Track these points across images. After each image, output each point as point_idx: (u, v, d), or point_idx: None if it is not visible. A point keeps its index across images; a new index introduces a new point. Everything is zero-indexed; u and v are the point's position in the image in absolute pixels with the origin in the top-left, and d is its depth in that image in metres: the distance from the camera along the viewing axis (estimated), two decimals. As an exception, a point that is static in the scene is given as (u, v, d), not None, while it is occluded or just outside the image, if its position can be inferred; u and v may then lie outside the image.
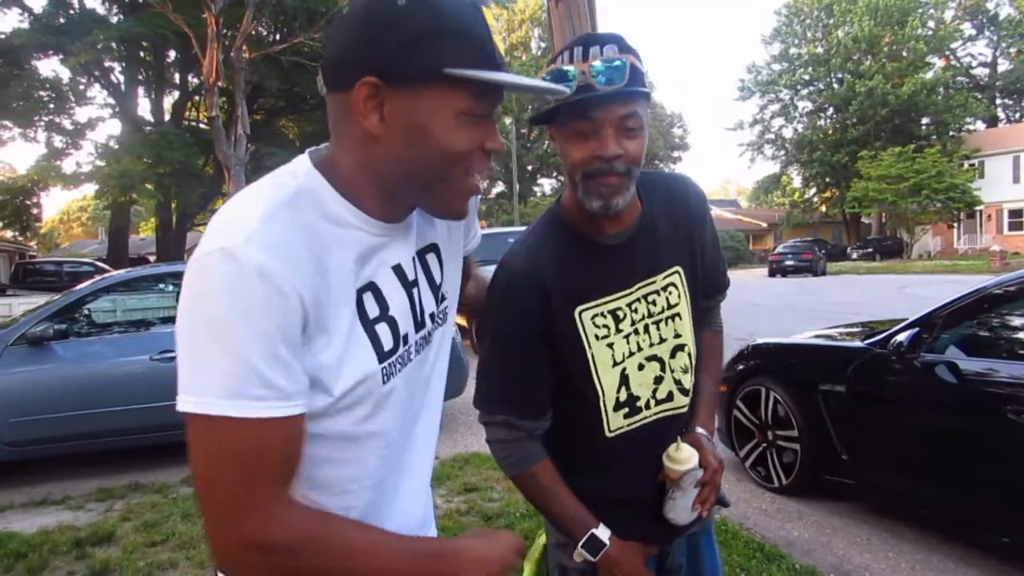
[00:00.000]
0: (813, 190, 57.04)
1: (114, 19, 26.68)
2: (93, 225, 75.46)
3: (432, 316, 1.12)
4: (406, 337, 1.04)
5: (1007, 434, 3.32)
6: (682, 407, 1.56)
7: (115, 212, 30.46)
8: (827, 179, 53.72)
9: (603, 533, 1.48)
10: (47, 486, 5.41)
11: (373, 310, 0.98)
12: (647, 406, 1.52)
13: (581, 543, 1.47)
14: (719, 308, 1.82)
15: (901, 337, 3.91)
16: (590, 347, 1.46)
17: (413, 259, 1.07)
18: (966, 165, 43.79)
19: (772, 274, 34.40)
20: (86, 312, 6.36)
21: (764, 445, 4.81)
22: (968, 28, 52.32)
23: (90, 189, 27.79)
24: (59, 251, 59.10)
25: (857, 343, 4.38)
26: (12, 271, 28.32)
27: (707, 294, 1.67)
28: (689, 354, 1.56)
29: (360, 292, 0.96)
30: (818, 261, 34.01)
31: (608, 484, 1.53)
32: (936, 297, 4.07)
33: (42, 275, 25.22)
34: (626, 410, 1.50)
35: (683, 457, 1.48)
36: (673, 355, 1.53)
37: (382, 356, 0.98)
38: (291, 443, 0.88)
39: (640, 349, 1.50)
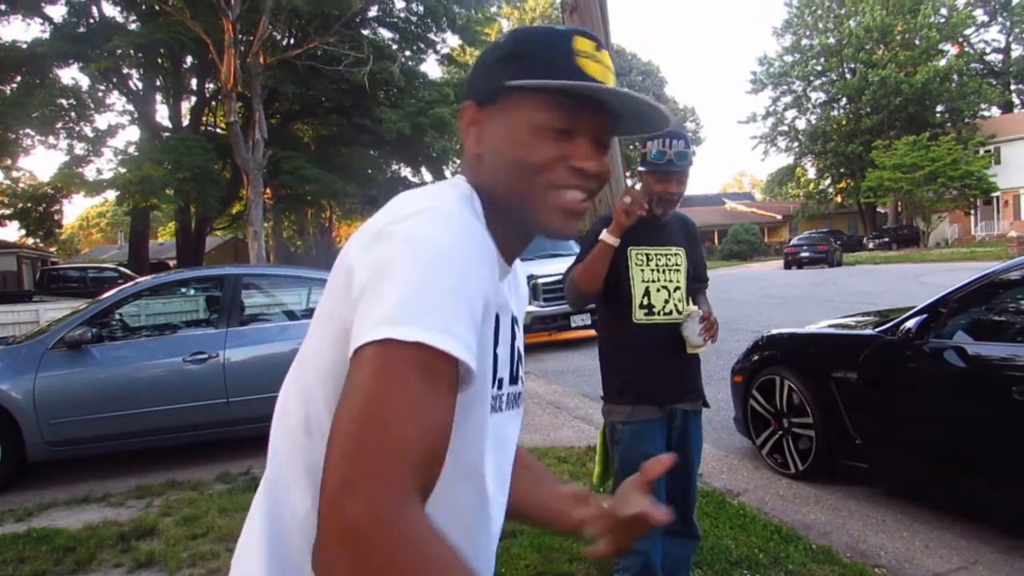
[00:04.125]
0: (828, 181, 56.70)
1: (132, 26, 27.01)
2: (112, 231, 76.14)
3: (520, 379, 1.08)
4: (501, 382, 0.99)
5: (1015, 415, 3.44)
6: (676, 319, 2.77)
7: (135, 217, 30.83)
8: (841, 169, 53.43)
9: (607, 237, 2.62)
10: (87, 484, 5.60)
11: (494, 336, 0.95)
12: (658, 313, 2.76)
13: (607, 238, 2.60)
14: (704, 289, 3.08)
15: (910, 324, 4.04)
16: (630, 268, 2.75)
17: (512, 316, 1.05)
18: (982, 152, 43.45)
19: (788, 266, 34.32)
20: (120, 316, 6.58)
21: (780, 433, 4.93)
22: (981, 14, 51.85)
23: (110, 195, 28.15)
24: (79, 257, 59.70)
25: (868, 331, 4.50)
26: (37, 277, 28.75)
27: (696, 278, 2.97)
28: (682, 292, 2.82)
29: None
30: (834, 252, 33.90)
31: (633, 357, 2.75)
32: (952, 285, 4.17)
33: (66, 281, 25.63)
34: (646, 311, 2.75)
35: (691, 308, 2.80)
36: (675, 291, 2.80)
37: (495, 382, 0.96)
38: (448, 423, 0.76)
39: (658, 280, 2.78)
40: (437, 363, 0.73)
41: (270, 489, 0.94)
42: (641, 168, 2.75)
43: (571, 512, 1.16)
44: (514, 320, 1.06)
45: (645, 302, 2.73)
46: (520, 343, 1.10)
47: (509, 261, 1.03)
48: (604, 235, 2.58)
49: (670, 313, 2.76)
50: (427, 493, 0.72)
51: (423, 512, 0.69)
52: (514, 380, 1.04)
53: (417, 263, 0.77)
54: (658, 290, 2.75)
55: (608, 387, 2.86)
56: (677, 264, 2.82)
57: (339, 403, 0.73)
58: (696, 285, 2.96)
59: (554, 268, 11.37)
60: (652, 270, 2.76)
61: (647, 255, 2.77)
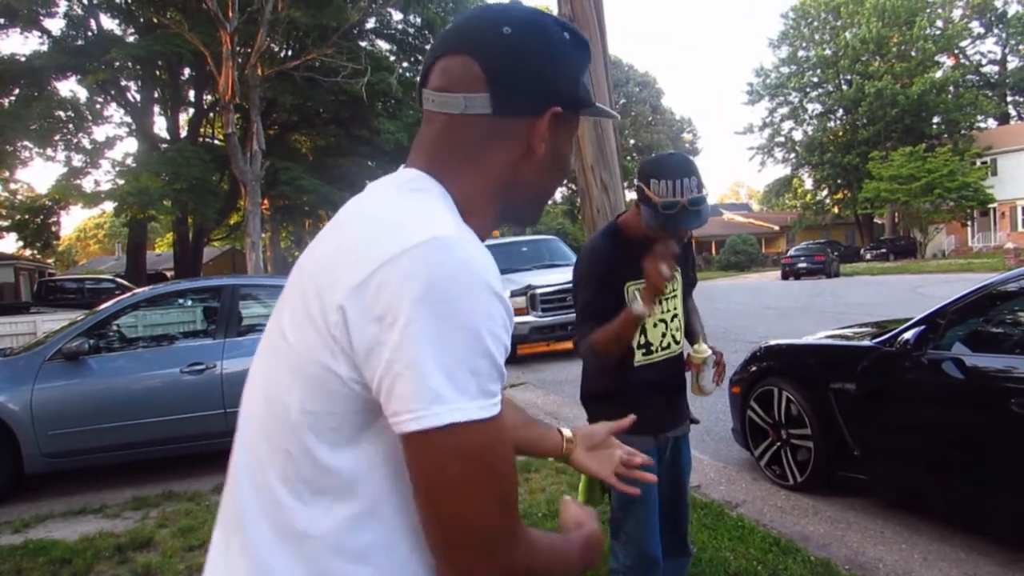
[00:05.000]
0: (824, 192, 56.86)
1: (130, 39, 27.14)
2: (110, 242, 76.09)
3: None
4: None
5: (1013, 426, 3.44)
6: (675, 352, 2.61)
7: (133, 229, 30.85)
8: (838, 181, 53.58)
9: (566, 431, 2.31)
10: (84, 496, 5.58)
11: None
12: (656, 351, 2.55)
13: (633, 312, 2.29)
14: (691, 293, 2.89)
15: (908, 335, 4.04)
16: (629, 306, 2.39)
17: None
18: (978, 163, 43.59)
19: (785, 277, 34.33)
20: (118, 327, 6.58)
21: (778, 444, 4.93)
22: (976, 26, 52.06)
23: (108, 206, 28.18)
24: (76, 268, 59.70)
25: (866, 342, 4.50)
26: (35, 289, 28.71)
27: (688, 284, 2.75)
28: (680, 320, 2.63)
29: None
30: (831, 263, 33.91)
31: (631, 398, 2.43)
32: (949, 297, 4.17)
33: (64, 292, 25.60)
34: (644, 351, 2.53)
35: (703, 350, 2.63)
36: (672, 320, 2.58)
37: None
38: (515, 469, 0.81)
39: (655, 314, 2.49)
40: (493, 422, 0.76)
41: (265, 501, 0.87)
42: (643, 211, 2.34)
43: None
44: None
45: (643, 341, 2.52)
46: None
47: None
48: (636, 307, 2.25)
49: (667, 347, 2.58)
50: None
51: (520, 540, 0.81)
52: None
53: (444, 320, 0.73)
54: (655, 325, 2.54)
55: (602, 419, 2.58)
56: (674, 289, 2.60)
57: (439, 488, 0.75)
58: (687, 290, 2.80)
59: (551, 278, 11.39)
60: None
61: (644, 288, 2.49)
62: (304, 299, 0.82)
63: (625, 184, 4.09)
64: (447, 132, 0.92)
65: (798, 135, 57.00)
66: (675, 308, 2.61)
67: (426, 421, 0.72)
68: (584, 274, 2.50)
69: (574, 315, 2.59)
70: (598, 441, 1.45)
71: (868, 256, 45.76)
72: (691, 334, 2.79)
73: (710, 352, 2.62)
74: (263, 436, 0.87)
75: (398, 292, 0.73)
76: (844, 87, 51.57)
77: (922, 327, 4.01)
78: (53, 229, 28.86)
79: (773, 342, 5.41)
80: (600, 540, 1.05)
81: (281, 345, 0.85)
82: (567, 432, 1.43)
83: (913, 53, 47.99)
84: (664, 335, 2.56)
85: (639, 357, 2.53)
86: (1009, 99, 54.90)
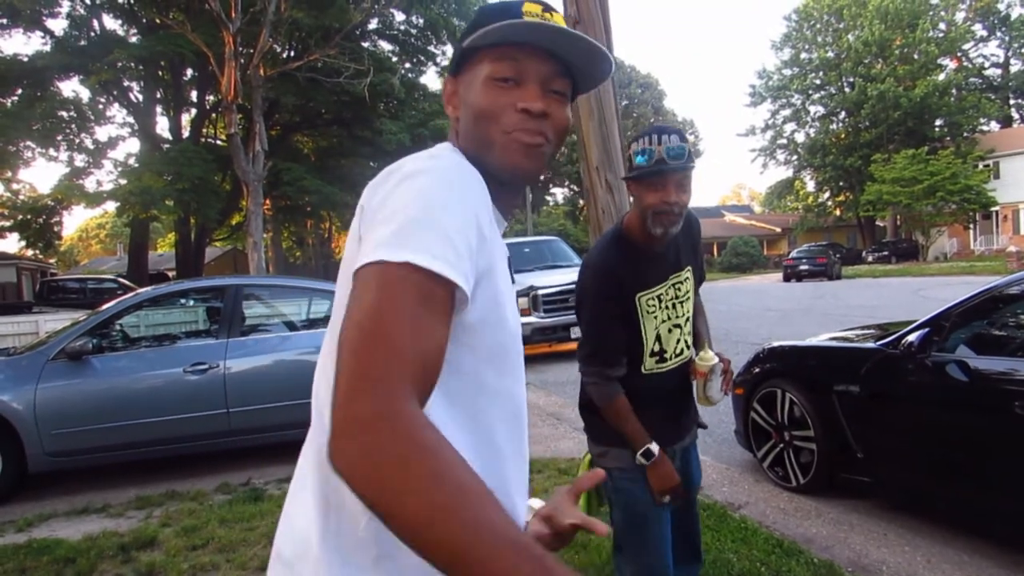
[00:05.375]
0: (827, 194, 56.86)
1: (133, 39, 27.17)
2: (111, 242, 76.25)
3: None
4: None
5: (1016, 429, 3.44)
6: (687, 357, 2.44)
7: (135, 229, 30.90)
8: (840, 183, 53.58)
9: (655, 447, 2.26)
10: (87, 495, 5.59)
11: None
12: (670, 358, 2.37)
13: (640, 452, 2.25)
14: (698, 293, 2.61)
15: (912, 337, 4.04)
16: (643, 319, 2.29)
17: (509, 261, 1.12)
18: (980, 166, 43.56)
19: (787, 279, 34.34)
20: (121, 327, 6.58)
21: (781, 446, 4.93)
22: (979, 29, 52.11)
23: (110, 206, 28.22)
24: (78, 268, 59.75)
25: (870, 344, 4.50)
26: (37, 289, 28.73)
27: (697, 281, 2.52)
28: (691, 324, 2.45)
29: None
30: (833, 265, 33.93)
31: (640, 407, 2.27)
32: (952, 299, 4.17)
33: (66, 292, 25.64)
34: (657, 359, 2.35)
35: (709, 356, 2.41)
36: (685, 325, 2.40)
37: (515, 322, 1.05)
38: (442, 339, 0.83)
39: (669, 319, 2.35)
40: (429, 284, 0.81)
41: (319, 448, 0.97)
42: (628, 177, 2.26)
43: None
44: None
45: (656, 348, 2.34)
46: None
47: (505, 216, 1.12)
48: (647, 448, 2.24)
49: (680, 354, 2.40)
50: (424, 398, 0.79)
51: (421, 411, 0.76)
52: None
53: (414, 194, 0.87)
54: (669, 331, 2.36)
55: (601, 431, 2.41)
56: (688, 291, 2.41)
57: (344, 318, 0.81)
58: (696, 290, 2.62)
59: (553, 279, 11.39)
60: (663, 309, 2.34)
61: (658, 296, 2.33)
62: (354, 220, 0.96)
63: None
64: None
65: (800, 137, 57.10)
66: (688, 312, 2.42)
67: (363, 259, 0.83)
68: (591, 290, 2.33)
69: (575, 316, 2.50)
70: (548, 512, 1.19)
71: (870, 259, 45.76)
72: (696, 338, 2.55)
73: (717, 360, 2.42)
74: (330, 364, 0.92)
75: (389, 184, 0.90)
76: (847, 89, 51.56)
77: (926, 329, 4.01)
78: (55, 229, 28.87)
79: (776, 344, 5.41)
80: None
81: (341, 277, 0.95)
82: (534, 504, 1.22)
83: (916, 56, 47.96)
84: (679, 341, 2.38)
85: (650, 365, 2.34)
86: (1012, 102, 54.88)
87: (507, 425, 1.03)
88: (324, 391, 0.96)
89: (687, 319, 2.40)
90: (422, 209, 0.85)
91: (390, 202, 0.87)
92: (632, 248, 2.29)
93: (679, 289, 2.36)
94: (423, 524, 0.68)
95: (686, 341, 2.42)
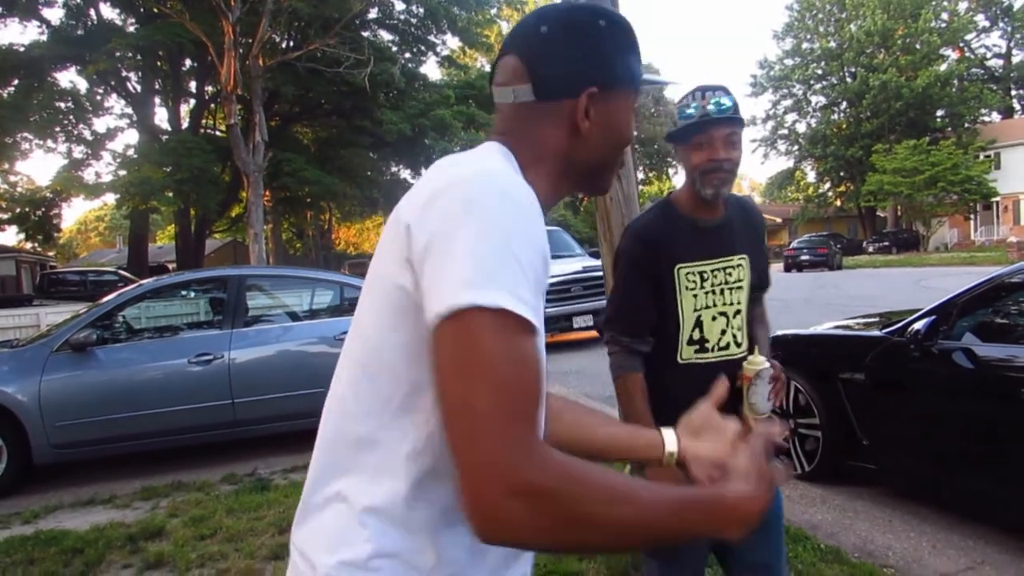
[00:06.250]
0: (827, 185, 56.79)
1: (131, 29, 27.06)
2: (111, 234, 76.09)
3: None
4: None
5: (1021, 416, 3.45)
6: (736, 355, 2.09)
7: (135, 220, 30.82)
8: (841, 173, 53.49)
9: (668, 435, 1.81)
10: (93, 487, 5.60)
11: None
12: (712, 349, 2.08)
13: None
14: (763, 297, 2.35)
15: (918, 325, 4.04)
16: (680, 294, 2.05)
17: None
18: (982, 157, 43.55)
19: (788, 269, 34.39)
20: (124, 319, 6.58)
21: (787, 433, 4.92)
22: (982, 20, 51.92)
23: (109, 198, 28.19)
24: (77, 261, 59.72)
25: (875, 332, 4.51)
26: (37, 282, 28.73)
27: (758, 286, 2.22)
28: (743, 318, 2.13)
29: None
30: (834, 255, 33.99)
31: (671, 401, 1.75)
32: (953, 289, 4.19)
33: (66, 285, 25.66)
34: (696, 347, 2.07)
35: (758, 360, 1.99)
36: (735, 316, 2.10)
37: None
38: (543, 371, 0.84)
39: (715, 305, 2.08)
40: (521, 323, 0.79)
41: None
42: (672, 142, 2.10)
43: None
44: None
45: (696, 336, 2.07)
46: None
47: (545, 211, 1.14)
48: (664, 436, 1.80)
49: (726, 347, 2.09)
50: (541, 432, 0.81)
51: (548, 447, 0.78)
52: None
53: (482, 226, 0.82)
54: (713, 318, 2.08)
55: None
56: (740, 279, 2.11)
57: (450, 371, 0.78)
58: (757, 294, 2.26)
59: (556, 269, 11.38)
60: (707, 292, 2.08)
61: (700, 273, 2.07)
62: (390, 234, 0.93)
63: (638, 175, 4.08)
64: (507, 118, 1.07)
65: (801, 127, 57.00)
66: (739, 302, 2.11)
67: (450, 301, 0.78)
68: (624, 252, 2.16)
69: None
70: (699, 423, 1.35)
71: (871, 249, 45.80)
72: (750, 345, 2.20)
73: (767, 364, 2.00)
74: (356, 364, 0.96)
75: (448, 207, 0.84)
76: (848, 80, 51.43)
77: (932, 317, 4.01)
78: (54, 222, 28.83)
79: (780, 332, 5.41)
80: (751, 504, 0.92)
81: (373, 282, 0.95)
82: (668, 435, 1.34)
83: (918, 46, 47.83)
84: (724, 332, 2.09)
85: (688, 354, 2.07)
86: (1014, 93, 54.74)
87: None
88: (350, 384, 0.97)
89: (737, 311, 2.11)
90: (500, 244, 0.81)
91: (456, 232, 0.81)
92: (678, 216, 2.11)
93: (729, 275, 2.10)
94: (611, 545, 0.84)
95: (734, 336, 2.10)
